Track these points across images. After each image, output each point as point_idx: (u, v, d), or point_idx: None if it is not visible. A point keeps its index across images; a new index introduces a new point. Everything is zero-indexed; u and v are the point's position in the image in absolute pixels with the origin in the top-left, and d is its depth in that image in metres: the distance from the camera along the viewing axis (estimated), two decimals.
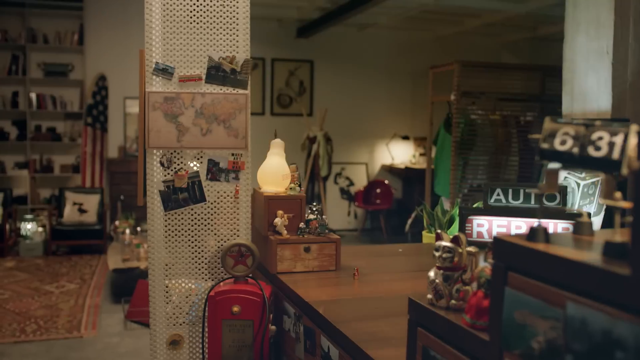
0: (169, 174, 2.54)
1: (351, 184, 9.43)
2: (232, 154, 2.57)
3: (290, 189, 2.63)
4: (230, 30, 2.55)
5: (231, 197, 2.59)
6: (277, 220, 2.53)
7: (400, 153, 9.99)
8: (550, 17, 7.37)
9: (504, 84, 6.00)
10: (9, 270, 6.59)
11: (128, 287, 5.42)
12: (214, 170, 2.56)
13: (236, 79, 2.55)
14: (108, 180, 8.57)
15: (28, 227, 7.61)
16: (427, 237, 3.59)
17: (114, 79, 8.57)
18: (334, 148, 8.54)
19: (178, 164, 2.55)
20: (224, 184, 2.58)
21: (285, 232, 2.54)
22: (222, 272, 2.63)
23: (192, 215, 2.57)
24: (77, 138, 8.52)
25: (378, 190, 8.88)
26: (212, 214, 2.59)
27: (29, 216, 7.77)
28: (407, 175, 9.57)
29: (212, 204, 2.58)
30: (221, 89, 2.55)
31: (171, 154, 2.53)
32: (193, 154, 2.55)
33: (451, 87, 5.89)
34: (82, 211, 7.88)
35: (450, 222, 3.54)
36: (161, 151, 2.53)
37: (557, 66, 3.84)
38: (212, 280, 2.63)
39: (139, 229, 6.87)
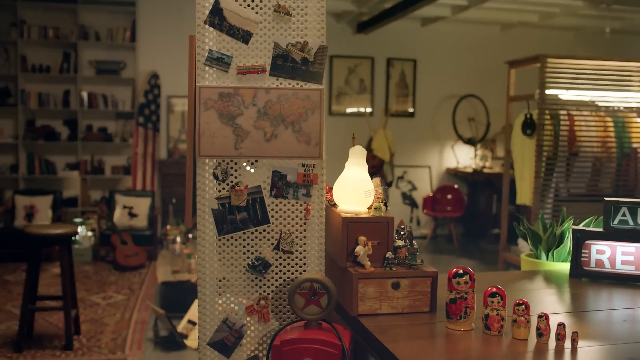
0: (224, 189, 2.04)
1: (414, 188, 8.83)
2: (303, 165, 2.05)
3: (375, 209, 2.09)
4: (301, 10, 2.04)
5: (301, 219, 2.08)
6: (359, 249, 2.00)
7: (464, 156, 9.34)
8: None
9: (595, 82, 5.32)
10: (55, 277, 6.28)
11: (178, 301, 5.00)
12: (280, 185, 2.05)
13: (308, 70, 2.04)
14: (159, 182, 8.23)
15: (78, 229, 7.30)
16: (527, 261, 3.00)
17: (166, 77, 8.22)
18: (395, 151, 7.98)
19: (235, 177, 2.05)
20: (292, 202, 2.06)
21: (369, 263, 2.01)
22: (288, 314, 2.12)
23: (252, 240, 2.07)
24: (129, 138, 8.21)
25: (449, 196, 8.25)
26: (277, 240, 2.08)
27: (78, 220, 7.49)
28: (473, 179, 8.91)
29: (277, 226, 2.07)
30: (289, 83, 2.04)
31: (227, 164, 2.04)
32: (254, 164, 2.05)
33: (533, 84, 5.26)
34: (132, 215, 7.55)
35: (557, 243, 2.94)
36: (215, 160, 2.03)
37: None
38: (276, 323, 2.12)
39: (190, 236, 6.47)
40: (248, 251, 2.07)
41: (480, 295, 1.89)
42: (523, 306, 1.80)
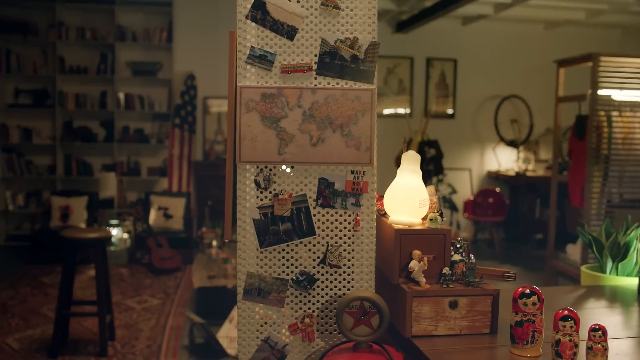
0: (266, 197, 1.88)
1: (454, 191, 8.58)
2: (352, 172, 1.89)
3: (430, 220, 1.91)
4: (350, 3, 1.87)
5: (349, 230, 1.91)
6: (414, 264, 1.82)
7: (506, 158, 9.06)
8: None
9: None
10: (91, 279, 6.23)
11: (214, 307, 4.88)
12: (327, 194, 1.89)
13: (358, 69, 1.87)
14: (195, 184, 8.15)
15: (113, 232, 7.27)
16: (588, 274, 2.77)
17: (202, 78, 8.14)
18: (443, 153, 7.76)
19: (279, 184, 1.89)
20: (340, 211, 1.90)
21: (424, 280, 1.83)
22: (335, 333, 1.95)
23: (296, 253, 1.91)
24: (165, 140, 8.15)
25: (490, 200, 7.98)
26: (323, 253, 1.91)
27: (114, 221, 7.45)
28: (515, 183, 8.63)
29: (323, 239, 1.90)
30: (338, 83, 1.87)
31: (270, 170, 1.88)
32: (300, 170, 1.89)
33: (587, 84, 4.99)
34: (167, 216, 7.48)
35: (622, 254, 2.72)
36: (257, 166, 1.88)
37: None
38: (322, 343, 1.96)
39: (226, 240, 6.34)
40: (292, 265, 1.91)
41: (548, 316, 1.69)
42: (600, 332, 1.60)
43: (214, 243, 5.90)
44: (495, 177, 8.94)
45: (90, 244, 4.29)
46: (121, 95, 8.02)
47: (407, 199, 1.90)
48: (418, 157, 1.97)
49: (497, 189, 8.40)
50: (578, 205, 5.27)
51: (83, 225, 7.12)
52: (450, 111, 8.91)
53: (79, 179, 8.01)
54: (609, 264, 2.71)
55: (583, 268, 2.83)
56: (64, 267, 4.23)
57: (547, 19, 8.55)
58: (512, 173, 8.61)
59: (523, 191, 8.64)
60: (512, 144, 8.93)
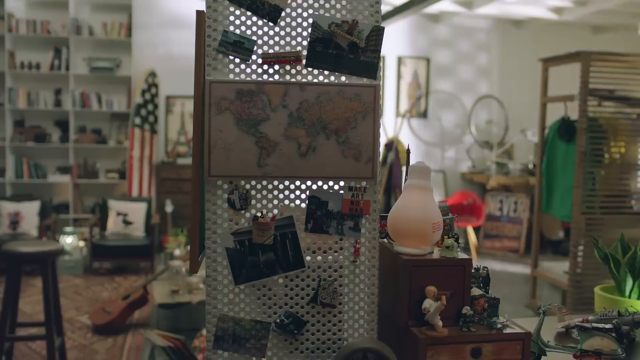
0: (243, 221, 1.50)
1: None
2: (350, 188, 1.51)
3: (446, 247, 1.55)
4: None
5: (348, 262, 1.53)
6: (429, 304, 1.46)
7: (479, 160, 8.81)
8: None
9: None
10: (41, 293, 5.71)
11: (179, 325, 4.46)
12: (319, 216, 1.51)
13: (358, 60, 1.50)
14: (157, 187, 7.68)
15: (67, 241, 6.76)
16: (602, 297, 2.45)
17: (164, 76, 7.69)
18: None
19: (259, 205, 1.51)
20: (335, 238, 1.52)
21: (441, 323, 1.47)
22: None
23: (280, 290, 1.52)
24: (124, 140, 7.67)
25: (465, 203, 7.70)
26: (314, 290, 1.54)
27: (68, 229, 6.94)
28: (490, 185, 8.37)
29: (314, 272, 1.53)
30: (333, 78, 1.50)
31: (247, 188, 1.50)
32: (285, 187, 1.51)
33: (572, 84, 4.73)
34: (127, 223, 7.00)
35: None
36: (231, 182, 1.49)
37: None
38: None
39: (193, 273, 5.90)
40: (275, 304, 1.52)
41: None
42: None
43: (177, 252, 5.46)
44: (470, 180, 8.68)
45: (37, 259, 3.82)
46: (77, 94, 7.51)
47: (417, 222, 1.54)
48: (428, 170, 1.61)
49: (473, 193, 8.14)
50: (557, 215, 5.01)
51: (35, 234, 6.60)
52: (423, 110, 8.61)
53: (30, 183, 7.47)
54: (629, 284, 2.40)
55: (597, 290, 2.51)
56: (7, 285, 3.76)
57: (516, 17, 8.33)
58: (486, 175, 8.36)
59: (498, 194, 8.40)
60: (487, 145, 8.69)
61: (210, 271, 1.49)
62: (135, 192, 7.51)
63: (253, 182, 1.49)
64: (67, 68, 7.40)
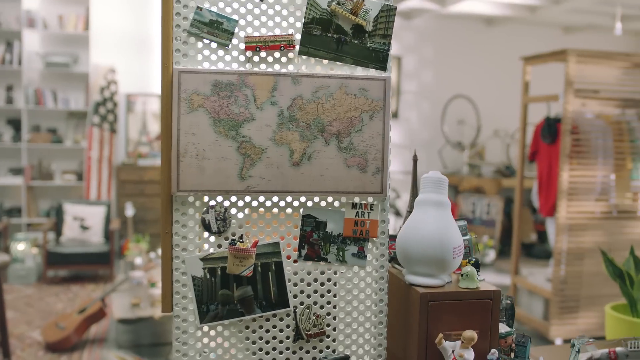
0: (219, 245, 1.20)
1: (398, 196, 8.07)
2: (354, 205, 1.23)
3: (463, 276, 1.28)
4: None
5: (349, 297, 1.24)
6: (451, 348, 1.18)
7: (451, 161, 8.63)
8: None
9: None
10: None
11: (140, 342, 4.11)
12: (316, 240, 1.22)
13: (365, 47, 1.21)
14: (117, 190, 7.29)
15: (19, 248, 6.32)
16: (615, 319, 2.21)
17: (125, 72, 7.29)
18: None
19: (242, 228, 1.20)
20: (334, 267, 1.23)
21: None
22: None
23: (257, 333, 1.23)
24: (82, 140, 7.25)
25: None
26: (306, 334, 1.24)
27: (20, 235, 6.50)
28: (463, 187, 8.21)
29: (306, 310, 1.23)
30: (332, 70, 1.21)
31: (226, 206, 1.19)
32: (273, 204, 1.21)
33: (550, 83, 4.53)
34: (84, 228, 6.59)
35: None
36: (205, 198, 1.19)
37: None
38: None
39: (153, 255, 5.55)
40: (255, 344, 1.22)
41: None
42: None
43: (138, 261, 5.10)
44: None
45: None
46: (30, 90, 7.06)
47: (434, 247, 1.26)
48: (445, 182, 1.33)
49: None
50: (548, 214, 4.81)
51: None
52: (393, 111, 8.39)
53: None
54: None
55: (608, 309, 2.27)
56: None
57: (488, 16, 8.17)
58: (459, 176, 8.18)
59: (470, 195, 8.23)
60: (459, 146, 8.51)
61: (179, 309, 1.19)
62: (93, 195, 7.10)
63: (233, 199, 1.19)
64: (20, 63, 6.95)
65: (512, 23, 8.40)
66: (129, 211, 6.85)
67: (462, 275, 1.28)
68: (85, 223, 6.61)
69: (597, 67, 4.53)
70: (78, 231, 6.54)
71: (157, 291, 4.41)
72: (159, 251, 5.81)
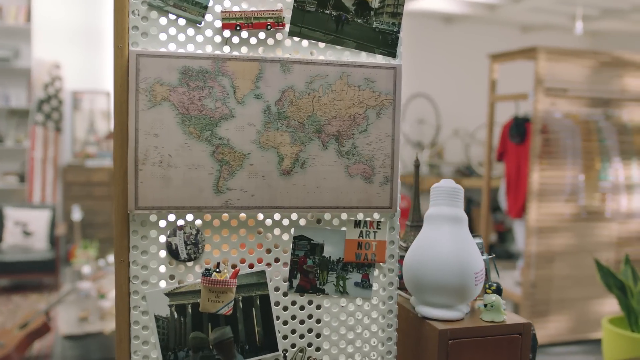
0: (187, 275, 0.94)
1: None
2: (358, 223, 0.99)
3: (487, 307, 1.06)
4: None
5: (351, 336, 1.00)
6: None
7: (410, 161, 8.49)
8: None
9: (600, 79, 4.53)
10: None
11: None
12: (311, 267, 0.98)
13: (370, 28, 0.98)
14: (62, 193, 6.88)
15: None
16: (612, 333, 2.04)
17: (70, 68, 6.89)
18: None
19: (217, 254, 0.95)
20: (334, 300, 0.99)
21: None
22: None
23: None
24: (24, 140, 6.82)
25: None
26: None
27: None
28: (422, 187, 8.08)
29: (299, 354, 0.99)
30: (332, 54, 0.97)
31: (197, 226, 0.94)
32: (257, 222, 0.96)
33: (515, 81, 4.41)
34: (27, 233, 6.18)
35: None
36: (170, 217, 0.93)
37: None
38: None
39: (102, 262, 5.20)
40: None
41: None
42: None
43: (86, 269, 4.74)
44: (402, 182, 8.36)
45: None
46: None
47: (452, 272, 1.03)
48: (460, 192, 1.11)
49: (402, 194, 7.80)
50: (516, 216, 4.69)
51: None
52: None
53: None
54: None
55: (606, 323, 2.11)
56: None
57: (447, 14, 8.07)
58: (410, 178, 8.05)
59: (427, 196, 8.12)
60: (419, 145, 8.39)
61: (139, 358, 0.93)
62: (37, 198, 6.69)
63: (208, 217, 0.94)
64: None
65: (471, 21, 8.32)
66: (76, 215, 6.47)
67: (485, 306, 1.06)
68: (28, 228, 6.23)
69: (567, 65, 4.42)
70: (20, 237, 6.14)
71: (107, 303, 4.08)
72: (109, 258, 5.47)
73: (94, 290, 4.22)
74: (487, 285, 1.12)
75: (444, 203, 1.08)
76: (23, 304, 5.50)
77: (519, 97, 4.58)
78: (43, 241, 6.21)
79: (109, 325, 3.87)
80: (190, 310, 0.94)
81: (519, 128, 4.65)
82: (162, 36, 0.91)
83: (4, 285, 6.10)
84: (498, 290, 1.12)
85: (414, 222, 1.26)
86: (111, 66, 6.92)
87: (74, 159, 7.06)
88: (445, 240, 1.05)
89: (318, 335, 0.98)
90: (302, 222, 0.97)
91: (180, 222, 0.92)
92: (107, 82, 6.95)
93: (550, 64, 4.34)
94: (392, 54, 0.97)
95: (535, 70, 4.32)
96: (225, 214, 0.94)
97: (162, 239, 0.93)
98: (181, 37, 0.92)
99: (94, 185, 6.83)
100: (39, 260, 5.95)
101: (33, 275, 6.05)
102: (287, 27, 0.94)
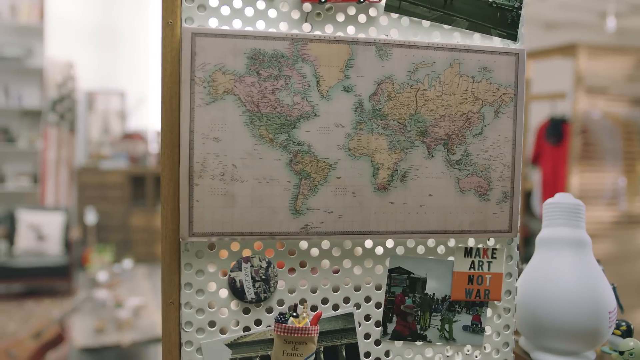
0: (255, 320, 0.73)
1: None
2: (469, 252, 0.77)
3: (626, 355, 0.84)
4: None
5: None
6: None
7: None
8: None
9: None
10: None
11: None
12: (409, 307, 0.76)
13: (486, 2, 0.76)
14: (77, 195, 6.78)
15: None
16: None
17: (84, 67, 6.78)
18: None
19: (293, 293, 0.74)
20: (440, 349, 0.78)
21: None
22: None
23: None
24: (37, 141, 6.76)
25: None
26: None
27: None
28: None
29: None
30: (439, 36, 0.76)
31: (268, 261, 0.73)
32: (345, 252, 0.75)
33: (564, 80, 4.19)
34: (40, 238, 6.07)
35: None
36: (236, 245, 0.72)
37: None
38: None
39: (117, 268, 5.03)
40: None
41: None
42: None
43: (102, 276, 4.57)
44: None
45: None
46: None
47: (583, 311, 0.82)
48: (582, 209, 0.89)
49: None
50: None
51: None
52: None
53: None
54: None
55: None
56: None
57: None
58: None
59: None
60: None
61: None
62: (50, 201, 6.60)
63: (281, 246, 0.73)
64: None
65: None
66: (91, 218, 6.35)
67: (621, 353, 0.84)
68: (42, 232, 6.14)
69: (607, 62, 4.20)
70: (33, 241, 6.05)
71: (124, 313, 3.89)
72: (125, 263, 5.30)
73: (110, 299, 4.03)
74: (617, 324, 0.91)
75: (563, 223, 0.87)
76: (36, 310, 5.36)
77: (555, 96, 4.37)
78: (57, 245, 6.11)
79: (127, 337, 3.68)
80: None
81: (556, 129, 4.43)
82: (225, 10, 0.70)
83: (17, 291, 5.98)
84: (629, 331, 0.90)
85: None
86: (126, 66, 6.76)
87: (88, 161, 6.97)
88: (568, 271, 0.84)
89: None
90: (400, 250, 0.75)
91: (247, 253, 0.71)
92: (122, 82, 6.83)
93: (591, 61, 4.12)
94: (513, 36, 0.76)
95: (575, 69, 4.10)
96: (304, 242, 0.73)
97: (222, 275, 0.72)
98: (249, 12, 0.71)
99: (108, 188, 6.72)
100: (53, 265, 5.85)
101: (46, 280, 5.95)
102: (383, 1, 0.73)
